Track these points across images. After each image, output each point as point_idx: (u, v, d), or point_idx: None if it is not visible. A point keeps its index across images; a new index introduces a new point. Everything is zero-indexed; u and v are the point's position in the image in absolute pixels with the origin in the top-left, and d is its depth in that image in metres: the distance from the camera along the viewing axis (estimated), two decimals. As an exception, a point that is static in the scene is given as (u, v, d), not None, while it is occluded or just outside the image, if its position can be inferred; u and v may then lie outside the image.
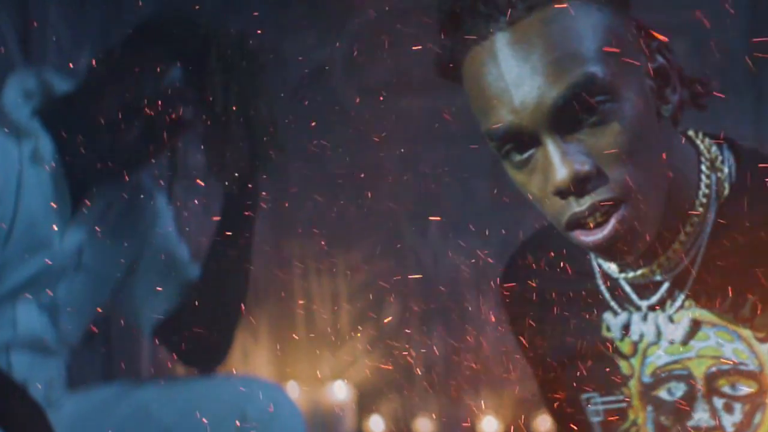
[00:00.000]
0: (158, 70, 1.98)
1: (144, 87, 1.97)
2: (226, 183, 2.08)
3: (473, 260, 3.04)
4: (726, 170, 1.33)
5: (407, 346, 3.10)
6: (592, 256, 1.38)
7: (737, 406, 1.32)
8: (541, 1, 1.20)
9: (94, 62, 2.07)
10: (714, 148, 1.34)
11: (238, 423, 2.07)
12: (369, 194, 3.03)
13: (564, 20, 1.19)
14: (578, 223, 1.21)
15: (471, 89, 1.24)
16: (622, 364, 1.38)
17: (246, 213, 2.10)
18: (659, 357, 1.36)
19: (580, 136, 1.20)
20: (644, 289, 1.35)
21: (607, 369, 1.39)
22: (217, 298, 2.10)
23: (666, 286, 1.34)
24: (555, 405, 1.48)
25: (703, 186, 1.31)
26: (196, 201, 2.89)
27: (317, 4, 3.10)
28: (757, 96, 2.90)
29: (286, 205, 3.01)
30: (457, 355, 3.06)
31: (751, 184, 1.31)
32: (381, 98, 3.02)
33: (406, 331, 3.10)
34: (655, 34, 1.28)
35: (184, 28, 2.02)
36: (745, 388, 1.31)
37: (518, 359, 1.53)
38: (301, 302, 3.16)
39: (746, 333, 1.30)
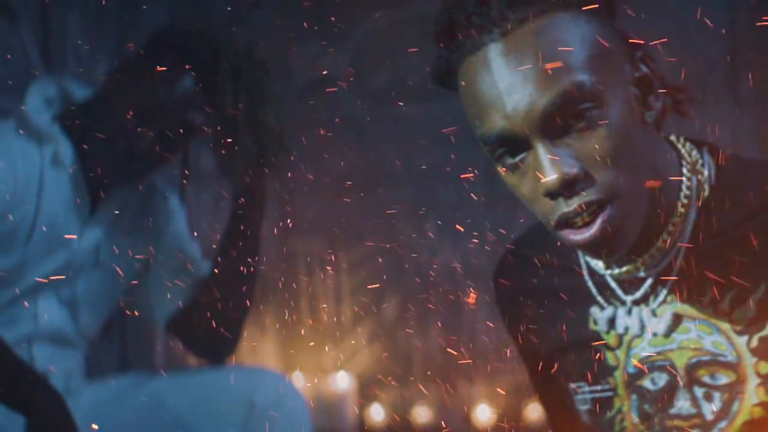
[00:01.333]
0: (171, 78, 1.99)
1: (158, 94, 1.97)
2: (236, 184, 2.08)
3: (468, 257, 3.03)
4: (706, 173, 1.33)
5: (406, 338, 3.10)
6: (580, 253, 1.38)
7: (716, 395, 1.32)
8: (532, 13, 1.20)
9: (111, 72, 2.08)
10: (694, 152, 1.34)
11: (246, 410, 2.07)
12: (369, 195, 3.03)
13: (554, 31, 1.20)
14: (567, 222, 1.22)
15: (466, 96, 1.24)
16: (608, 356, 1.39)
17: (254, 212, 2.10)
18: (643, 349, 1.36)
19: (568, 140, 1.20)
20: (629, 284, 1.36)
21: (594, 360, 1.39)
22: (227, 293, 2.10)
23: (649, 282, 1.34)
24: (545, 394, 1.49)
25: (684, 188, 1.31)
26: (206, 201, 2.90)
27: (322, 16, 3.10)
28: (735, 102, 2.90)
29: (292, 204, 3.00)
30: (453, 347, 3.06)
31: (729, 186, 1.32)
32: (381, 103, 3.02)
33: (405, 324, 3.10)
34: (639, 44, 1.28)
35: (195, 39, 2.03)
36: (724, 378, 1.32)
37: (511, 351, 1.54)
38: (305, 297, 3.16)
39: (725, 326, 1.31)
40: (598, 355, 1.39)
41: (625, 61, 1.25)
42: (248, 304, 2.14)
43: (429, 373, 3.08)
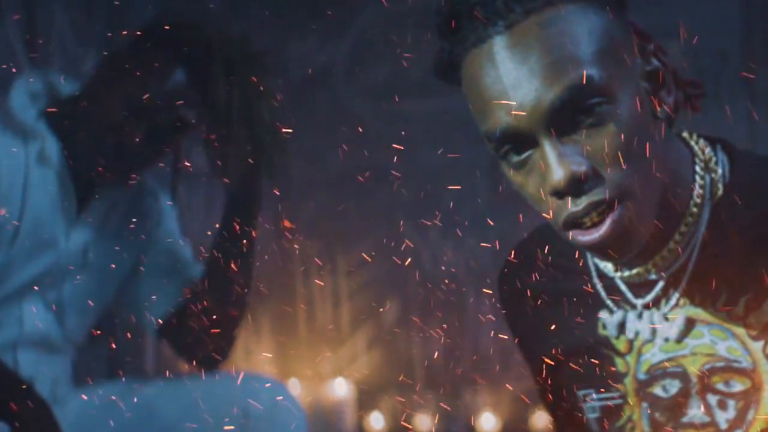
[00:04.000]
0: (162, 73, 1.99)
1: (148, 89, 1.97)
2: (229, 183, 2.08)
3: (472, 259, 3.04)
4: (720, 171, 1.32)
5: (407, 344, 3.10)
6: (588, 255, 1.38)
7: (731, 403, 1.32)
8: (539, 5, 1.20)
9: (98, 65, 2.08)
10: (708, 149, 1.34)
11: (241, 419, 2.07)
12: (369, 194, 3.03)
13: (561, 23, 1.19)
14: (574, 223, 1.21)
15: (470, 91, 1.24)
16: (618, 362, 1.38)
17: (248, 212, 2.10)
18: (654, 354, 1.35)
19: (576, 137, 1.19)
20: (639, 287, 1.35)
21: (603, 366, 1.39)
22: (220, 296, 2.10)
23: (661, 284, 1.33)
24: (552, 401, 1.48)
25: (697, 186, 1.31)
26: (199, 201, 2.89)
27: (318, 8, 3.10)
28: (750, 98, 2.90)
29: (288, 204, 3.00)
30: (456, 352, 3.06)
31: (744, 185, 1.31)
32: (381, 100, 3.02)
33: (406, 329, 3.10)
34: (651, 37, 1.28)
35: (187, 32, 2.03)
36: (739, 385, 1.31)
37: (516, 357, 1.53)
38: (302, 301, 3.16)
39: (740, 331, 1.30)
40: (608, 361, 1.39)
41: (636, 54, 1.25)
42: (242, 307, 2.14)
43: (431, 380, 3.08)
